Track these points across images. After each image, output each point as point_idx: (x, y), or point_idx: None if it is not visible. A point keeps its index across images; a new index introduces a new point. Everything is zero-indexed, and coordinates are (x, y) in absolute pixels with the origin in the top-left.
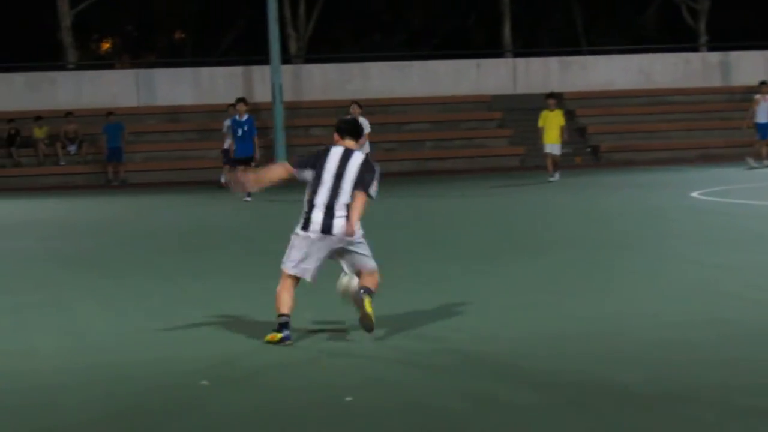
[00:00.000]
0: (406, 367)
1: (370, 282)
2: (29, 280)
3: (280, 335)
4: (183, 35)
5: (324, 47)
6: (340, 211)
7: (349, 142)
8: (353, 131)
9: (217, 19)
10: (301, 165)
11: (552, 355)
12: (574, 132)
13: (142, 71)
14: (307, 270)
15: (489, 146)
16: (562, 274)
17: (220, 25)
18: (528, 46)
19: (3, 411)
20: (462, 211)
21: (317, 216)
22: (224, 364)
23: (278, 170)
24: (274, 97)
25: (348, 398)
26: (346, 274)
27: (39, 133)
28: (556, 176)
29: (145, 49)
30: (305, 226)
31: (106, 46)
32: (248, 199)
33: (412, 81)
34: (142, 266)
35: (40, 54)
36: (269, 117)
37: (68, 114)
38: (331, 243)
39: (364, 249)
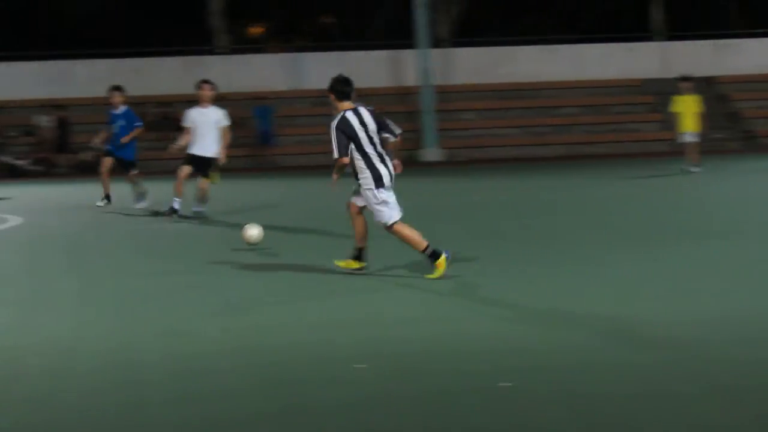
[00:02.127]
0: (567, 354)
1: None
2: (187, 257)
3: (443, 257)
4: (332, 19)
5: (473, 31)
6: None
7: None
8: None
9: (366, 3)
10: (344, 151)
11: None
12: (727, 117)
13: (291, 55)
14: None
15: (641, 131)
16: (728, 261)
17: (368, 9)
18: (679, 29)
19: (170, 397)
20: (617, 196)
21: (384, 170)
22: (375, 346)
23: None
24: (422, 81)
25: (505, 383)
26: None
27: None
28: (697, 168)
29: (295, 34)
30: (381, 182)
31: (256, 30)
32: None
33: (561, 64)
34: (320, 251)
35: (193, 38)
36: (418, 101)
37: (221, 98)
38: None
39: None
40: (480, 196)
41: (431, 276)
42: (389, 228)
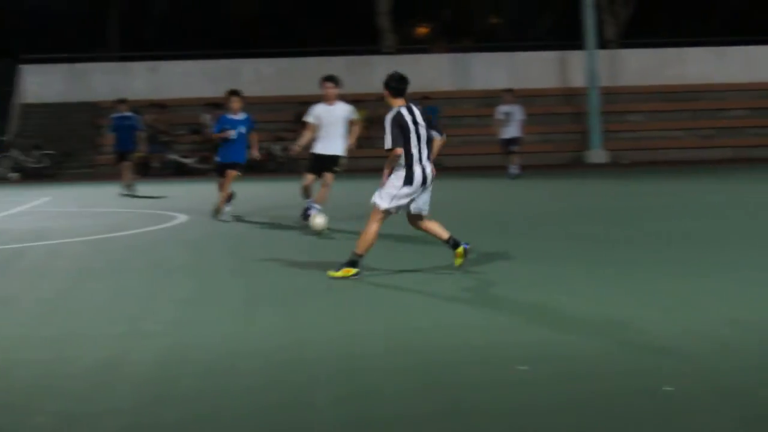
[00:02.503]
0: (727, 354)
1: None
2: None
3: (353, 270)
4: (499, 19)
5: (640, 32)
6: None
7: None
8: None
9: (533, 4)
10: (399, 142)
11: None
12: None
13: (458, 56)
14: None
15: None
16: None
17: (536, 9)
18: None
19: (333, 396)
20: None
21: (418, 172)
22: (542, 349)
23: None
24: (589, 82)
25: (667, 388)
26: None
27: (359, 115)
28: None
29: (462, 34)
30: (410, 182)
31: (422, 30)
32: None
33: (731, 67)
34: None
35: (359, 38)
36: (584, 102)
37: (383, 98)
38: None
39: None
40: (647, 199)
41: (334, 274)
42: (373, 209)
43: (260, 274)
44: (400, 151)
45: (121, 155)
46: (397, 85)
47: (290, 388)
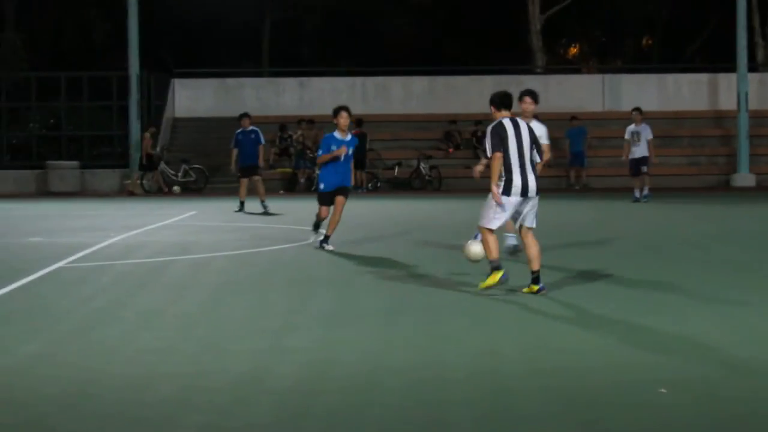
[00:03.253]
0: None
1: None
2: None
3: (500, 273)
4: (650, 41)
5: None
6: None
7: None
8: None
9: (685, 26)
10: (497, 149)
11: None
12: None
13: (608, 76)
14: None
15: None
16: None
17: (687, 31)
18: None
19: (474, 416)
20: None
21: (518, 180)
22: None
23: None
24: (739, 105)
25: None
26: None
27: None
28: None
29: (613, 55)
30: (509, 191)
31: (573, 50)
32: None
33: None
34: (600, 270)
35: (509, 57)
36: (733, 125)
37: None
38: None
39: None
40: None
41: (483, 284)
42: (481, 228)
43: (400, 290)
44: (499, 154)
45: (245, 170)
46: (500, 99)
47: (429, 407)
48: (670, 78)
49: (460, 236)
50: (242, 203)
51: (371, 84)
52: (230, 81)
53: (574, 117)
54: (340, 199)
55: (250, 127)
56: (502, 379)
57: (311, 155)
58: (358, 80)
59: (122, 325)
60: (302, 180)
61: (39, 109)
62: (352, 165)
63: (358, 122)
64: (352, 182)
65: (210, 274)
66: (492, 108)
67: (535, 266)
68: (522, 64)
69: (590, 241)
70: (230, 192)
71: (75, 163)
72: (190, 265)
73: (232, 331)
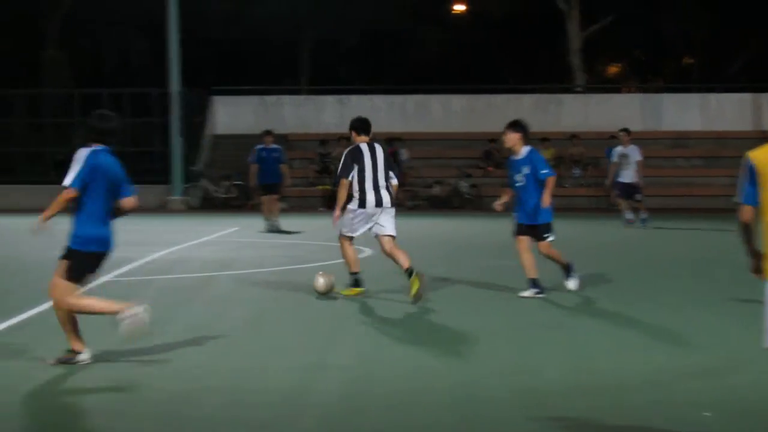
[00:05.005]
0: None
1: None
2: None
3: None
4: (691, 60)
5: None
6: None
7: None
8: (367, 128)
9: (727, 45)
10: (345, 174)
11: None
12: None
13: (648, 96)
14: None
15: None
16: None
17: (729, 50)
18: None
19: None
20: None
21: (371, 197)
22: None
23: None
24: None
25: None
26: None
27: (545, 154)
28: None
29: (653, 74)
30: (363, 205)
31: (614, 69)
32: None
33: None
34: (648, 294)
35: (549, 76)
36: None
37: (573, 136)
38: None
39: None
40: None
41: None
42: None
43: (441, 308)
44: (345, 182)
45: (266, 188)
46: (359, 125)
47: (473, 425)
48: (713, 98)
49: (501, 256)
50: (269, 221)
51: (411, 102)
52: (269, 98)
53: (612, 136)
54: (543, 244)
55: (273, 145)
56: (542, 397)
57: None
58: (398, 98)
59: (167, 340)
60: None
61: (82, 125)
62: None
63: (389, 140)
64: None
65: (252, 290)
66: (353, 133)
67: (406, 264)
68: (561, 83)
69: (636, 261)
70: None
71: None
72: (233, 281)
73: (275, 347)
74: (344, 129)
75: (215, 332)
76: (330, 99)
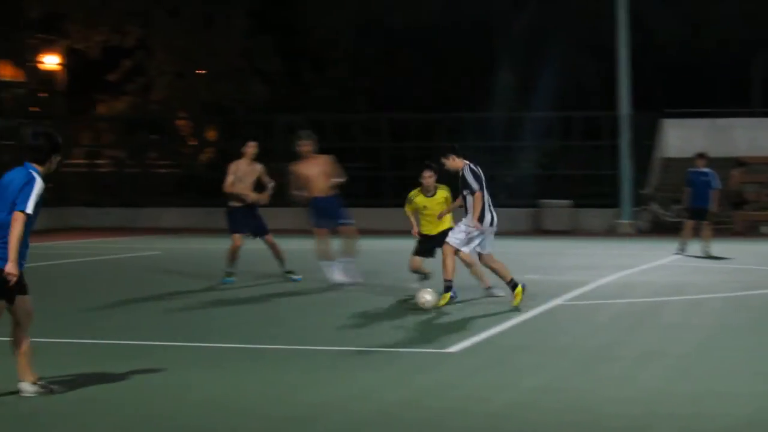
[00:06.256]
0: None
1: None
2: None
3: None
4: None
5: None
6: None
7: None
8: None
9: None
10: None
11: None
12: None
13: None
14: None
15: None
16: None
17: None
18: None
19: None
20: None
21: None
22: None
23: None
24: None
25: None
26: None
27: None
28: None
29: None
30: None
31: None
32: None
33: None
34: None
35: None
36: None
37: None
38: None
39: None
40: None
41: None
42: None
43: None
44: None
45: (694, 212)
46: (463, 151)
47: None
48: None
49: None
50: (685, 244)
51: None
52: (720, 121)
53: None
54: None
55: (704, 169)
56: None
57: None
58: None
59: (620, 364)
60: None
61: (533, 149)
62: None
63: None
64: None
65: (706, 315)
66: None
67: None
68: None
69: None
70: (718, 233)
71: (567, 201)
72: (686, 306)
73: (731, 374)
74: None
75: (669, 357)
76: None
